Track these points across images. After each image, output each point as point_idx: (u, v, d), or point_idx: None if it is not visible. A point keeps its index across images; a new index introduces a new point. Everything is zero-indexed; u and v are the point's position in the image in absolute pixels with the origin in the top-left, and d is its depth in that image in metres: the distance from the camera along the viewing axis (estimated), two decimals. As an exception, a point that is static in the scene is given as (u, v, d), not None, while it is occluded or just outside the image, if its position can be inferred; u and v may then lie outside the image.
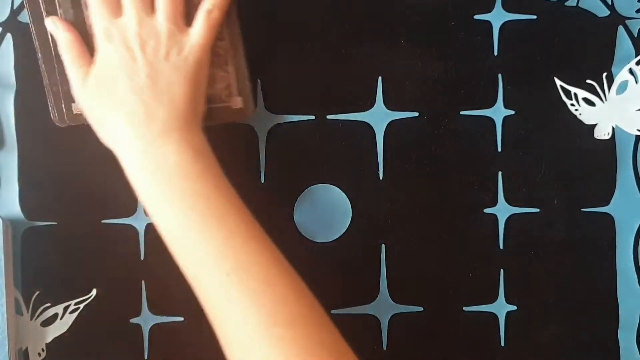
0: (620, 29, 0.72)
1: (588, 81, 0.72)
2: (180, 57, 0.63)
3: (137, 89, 0.61)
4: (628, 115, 0.73)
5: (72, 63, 0.65)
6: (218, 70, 0.68)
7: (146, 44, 0.62)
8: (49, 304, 0.70)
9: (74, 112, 0.68)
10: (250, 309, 0.56)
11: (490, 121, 0.73)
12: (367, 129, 0.72)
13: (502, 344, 0.73)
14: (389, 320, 0.73)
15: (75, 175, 0.70)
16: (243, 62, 0.69)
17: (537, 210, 0.73)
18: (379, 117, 0.72)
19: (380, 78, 0.72)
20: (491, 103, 0.73)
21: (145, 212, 0.70)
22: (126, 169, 0.62)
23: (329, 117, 0.72)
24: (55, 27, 0.66)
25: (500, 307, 0.73)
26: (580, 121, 0.73)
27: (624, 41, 0.73)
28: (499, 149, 0.73)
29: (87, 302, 0.70)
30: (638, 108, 0.73)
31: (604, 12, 0.72)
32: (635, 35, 0.72)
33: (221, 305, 0.57)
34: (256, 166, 0.71)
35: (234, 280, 0.57)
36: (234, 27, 0.68)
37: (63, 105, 0.68)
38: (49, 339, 0.70)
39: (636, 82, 0.72)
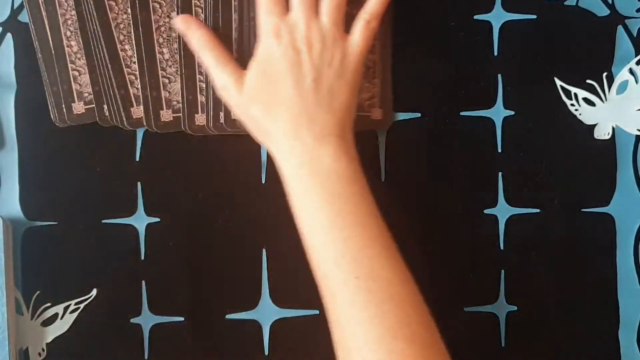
0: (620, 28, 0.72)
1: (588, 81, 0.72)
2: (342, 64, 0.64)
3: (302, 92, 0.62)
4: (628, 115, 0.73)
5: (216, 61, 0.65)
6: (364, 81, 0.70)
7: (312, 47, 0.63)
8: (49, 304, 0.70)
9: (75, 112, 0.69)
10: (374, 320, 0.57)
11: (490, 122, 0.73)
12: (370, 131, 0.72)
13: (503, 344, 0.73)
14: (389, 321, 0.72)
15: (75, 175, 0.70)
16: (389, 76, 0.71)
17: (538, 210, 0.73)
18: (379, 117, 0.72)
19: (380, 78, 0.72)
20: (491, 103, 0.73)
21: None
22: (281, 166, 0.63)
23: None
24: (187, 25, 0.66)
25: (501, 308, 0.73)
26: (580, 121, 0.73)
27: (623, 41, 0.73)
28: (499, 150, 0.73)
29: (87, 302, 0.70)
30: (638, 108, 0.73)
31: (604, 11, 0.72)
32: (635, 35, 0.72)
33: (345, 308, 0.58)
34: (258, 168, 0.71)
35: (362, 287, 0.58)
36: (386, 42, 0.70)
37: (63, 105, 0.69)
38: (49, 339, 0.70)
39: (636, 82, 0.72)
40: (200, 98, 0.69)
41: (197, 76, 0.69)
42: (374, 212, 0.62)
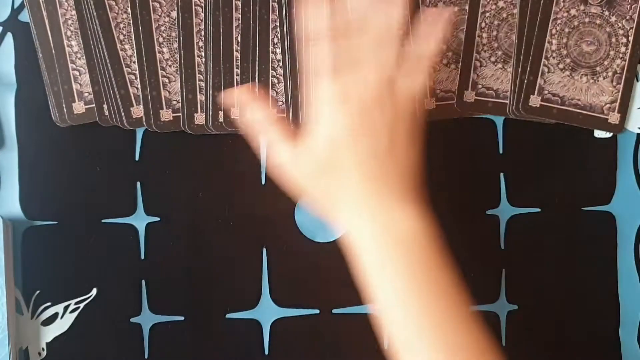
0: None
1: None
2: (410, 124, 0.62)
3: (374, 155, 0.60)
4: (629, 113, 0.72)
5: (280, 139, 0.62)
6: (608, 85, 0.70)
7: (383, 109, 0.61)
8: (49, 304, 0.70)
9: (75, 112, 0.69)
10: None
11: (491, 123, 0.73)
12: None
13: (503, 344, 0.73)
14: (389, 320, 0.72)
15: (75, 175, 0.70)
16: (631, 84, 0.71)
17: (539, 210, 0.73)
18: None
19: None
20: (492, 102, 0.73)
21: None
22: (357, 236, 0.60)
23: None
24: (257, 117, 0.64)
25: (502, 307, 0.73)
26: (581, 120, 0.73)
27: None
28: (500, 151, 0.73)
29: (87, 301, 0.70)
30: (639, 106, 0.72)
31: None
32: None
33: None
34: (258, 168, 0.71)
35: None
36: (634, 50, 0.71)
37: (64, 105, 0.69)
38: (49, 339, 0.70)
39: (637, 79, 0.72)
40: (200, 97, 0.69)
41: (197, 75, 0.69)
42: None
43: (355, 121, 0.60)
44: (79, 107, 0.69)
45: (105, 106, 0.69)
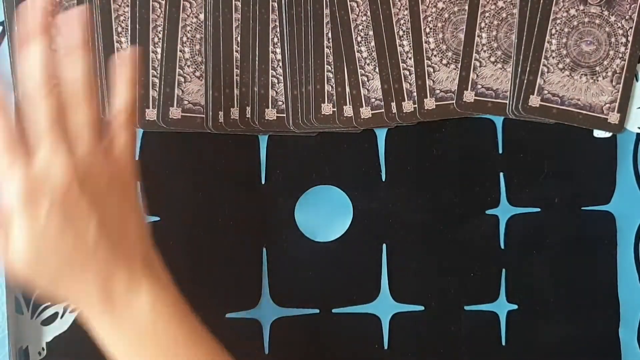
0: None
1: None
2: (121, 193, 0.58)
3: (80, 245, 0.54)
4: (629, 113, 0.73)
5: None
6: (608, 85, 0.70)
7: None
8: (49, 303, 0.70)
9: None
10: None
11: (491, 123, 0.73)
12: (369, 131, 0.72)
13: (503, 343, 0.73)
14: (390, 320, 0.73)
15: (75, 175, 0.70)
16: (631, 83, 0.72)
17: (538, 210, 0.73)
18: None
19: (380, 77, 0.72)
20: (491, 102, 0.73)
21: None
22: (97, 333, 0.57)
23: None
24: None
25: (501, 306, 0.73)
26: (581, 120, 0.73)
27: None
28: (500, 151, 0.73)
29: (87, 301, 0.70)
30: (639, 106, 0.73)
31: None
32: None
33: None
34: (258, 168, 0.71)
35: None
36: (634, 50, 0.71)
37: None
38: (49, 338, 0.70)
39: (637, 79, 0.72)
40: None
41: (177, 77, 0.69)
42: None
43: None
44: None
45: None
